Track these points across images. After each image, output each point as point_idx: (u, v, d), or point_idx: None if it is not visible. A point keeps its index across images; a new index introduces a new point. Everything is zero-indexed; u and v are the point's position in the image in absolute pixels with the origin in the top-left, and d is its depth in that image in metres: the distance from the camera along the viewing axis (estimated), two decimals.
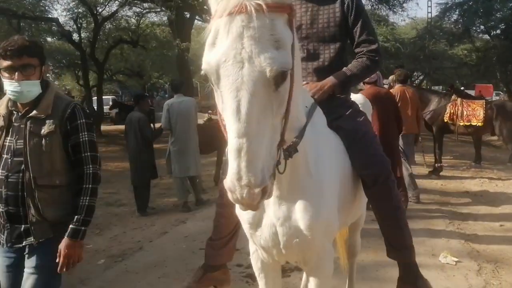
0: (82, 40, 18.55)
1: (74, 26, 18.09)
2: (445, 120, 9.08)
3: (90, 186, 2.43)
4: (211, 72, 1.40)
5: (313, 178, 1.91)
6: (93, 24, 17.33)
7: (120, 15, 17.98)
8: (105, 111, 20.83)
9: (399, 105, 6.56)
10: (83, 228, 2.40)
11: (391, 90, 7.11)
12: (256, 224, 2.02)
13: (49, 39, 20.94)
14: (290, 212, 1.92)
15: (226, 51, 1.35)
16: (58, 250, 2.36)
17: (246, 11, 1.34)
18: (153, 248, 5.35)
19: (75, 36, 18.20)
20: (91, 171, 2.44)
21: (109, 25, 18.77)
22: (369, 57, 2.40)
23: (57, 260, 2.34)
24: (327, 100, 2.28)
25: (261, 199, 1.40)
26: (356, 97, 3.04)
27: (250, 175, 1.36)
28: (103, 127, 19.21)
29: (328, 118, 2.25)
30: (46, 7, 17.00)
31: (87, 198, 2.41)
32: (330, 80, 2.31)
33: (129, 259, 5.00)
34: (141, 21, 20.03)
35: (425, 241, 5.24)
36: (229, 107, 1.37)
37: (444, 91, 11.79)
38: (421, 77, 25.38)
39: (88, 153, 2.44)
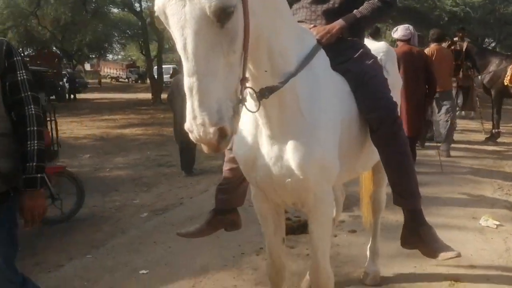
0: (143, 10, 19.02)
1: None
2: (505, 84, 8.53)
3: (35, 128, 2.20)
4: (159, 13, 1.42)
5: (306, 119, 1.91)
6: None
7: None
8: (166, 80, 21.37)
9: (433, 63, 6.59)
10: (39, 175, 2.17)
11: (426, 50, 7.23)
12: (251, 164, 2.05)
13: (114, 10, 21.65)
14: (282, 152, 1.93)
15: None
16: (20, 206, 2.17)
17: None
18: (192, 203, 5.55)
19: (137, 6, 18.68)
20: (33, 112, 2.21)
21: None
22: None
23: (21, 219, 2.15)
24: (336, 43, 2.23)
25: (220, 139, 1.42)
26: (379, 45, 2.93)
27: (203, 114, 1.38)
28: (163, 95, 19.78)
29: (336, 61, 2.21)
30: None
31: (35, 142, 2.17)
32: (338, 23, 2.25)
33: (168, 213, 5.24)
34: None
35: (468, 204, 5.07)
36: (178, 46, 1.39)
37: (509, 53, 11.03)
38: (492, 44, 23.81)
39: (29, 93, 2.21)
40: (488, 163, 6.99)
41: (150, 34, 19.24)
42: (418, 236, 2.29)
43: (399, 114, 2.27)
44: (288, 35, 1.84)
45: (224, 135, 1.42)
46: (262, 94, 1.76)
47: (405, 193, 2.29)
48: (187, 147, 7.21)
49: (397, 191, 2.31)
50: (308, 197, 2.05)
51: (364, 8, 2.29)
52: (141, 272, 3.58)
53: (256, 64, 1.76)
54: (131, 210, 5.51)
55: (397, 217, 4.63)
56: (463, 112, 11.39)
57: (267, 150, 1.97)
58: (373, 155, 2.57)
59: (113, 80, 45.49)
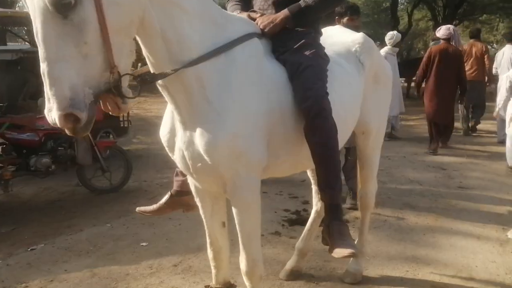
0: None
1: None
2: None
3: None
4: (24, 2, 1.54)
5: (212, 106, 1.95)
6: None
7: None
8: None
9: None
10: None
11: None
12: (171, 147, 2.16)
13: None
14: (192, 137, 2.00)
15: None
16: None
17: None
18: None
19: None
20: None
21: None
22: None
23: None
24: (281, 33, 2.26)
25: (74, 124, 1.53)
26: (355, 37, 2.84)
27: (54, 98, 1.49)
28: None
29: (279, 51, 2.25)
30: None
31: None
32: (283, 13, 2.27)
33: None
34: None
35: (506, 214, 4.68)
36: (34, 33, 1.53)
37: None
38: None
39: None
40: None
41: None
42: (327, 230, 2.23)
43: (327, 105, 2.17)
44: (191, 25, 1.88)
45: (77, 121, 1.53)
46: (143, 80, 1.84)
47: (323, 185, 2.23)
48: None
49: (318, 183, 2.27)
50: (225, 183, 2.09)
51: None
52: (141, 244, 3.87)
53: (152, 52, 1.85)
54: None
55: (405, 218, 4.50)
56: None
57: (180, 135, 2.06)
58: None
59: None
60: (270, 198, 5.12)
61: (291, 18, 2.27)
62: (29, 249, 3.85)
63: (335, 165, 2.22)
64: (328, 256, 3.58)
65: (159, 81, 1.92)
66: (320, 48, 2.38)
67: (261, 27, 2.26)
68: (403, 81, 15.01)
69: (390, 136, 8.43)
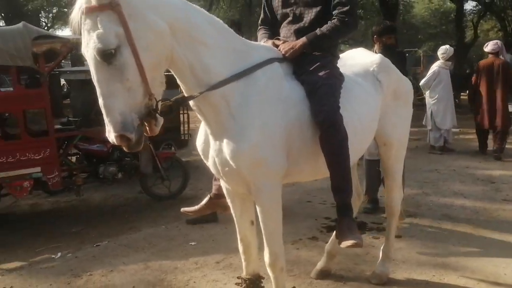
0: None
1: None
2: None
3: None
4: (83, 53, 2.00)
5: (236, 120, 2.33)
6: None
7: None
8: None
9: None
10: None
11: None
12: (205, 155, 2.58)
13: None
14: (221, 146, 2.40)
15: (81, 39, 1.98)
16: None
17: (83, 12, 1.92)
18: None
19: None
20: None
21: None
22: (339, 19, 2.62)
23: None
24: (300, 57, 2.63)
25: (127, 142, 1.96)
26: (373, 58, 3.15)
27: (109, 124, 1.94)
28: None
29: (298, 73, 2.62)
30: None
31: None
32: (301, 40, 2.64)
33: None
34: None
35: None
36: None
37: None
38: None
39: None
40: None
41: None
42: (338, 225, 2.54)
43: (339, 118, 2.49)
44: (214, 56, 2.28)
45: (128, 140, 1.97)
46: (178, 103, 2.29)
47: (335, 187, 2.55)
48: None
49: (331, 185, 2.58)
50: (248, 185, 2.47)
51: (325, 27, 2.64)
52: (190, 243, 4.33)
53: (183, 80, 2.29)
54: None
55: (442, 228, 4.61)
56: None
57: (212, 144, 2.47)
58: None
59: None
60: (313, 207, 5.44)
61: (308, 44, 2.63)
62: (94, 245, 4.44)
63: (345, 170, 2.55)
64: (358, 259, 3.91)
65: (192, 102, 2.34)
66: (335, 69, 2.72)
67: (283, 52, 2.64)
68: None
69: (443, 149, 8.44)
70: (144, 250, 4.23)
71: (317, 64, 2.63)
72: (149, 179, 6.07)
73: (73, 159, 5.98)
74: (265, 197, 2.49)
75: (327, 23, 2.66)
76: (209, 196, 3.21)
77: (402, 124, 3.29)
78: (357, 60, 3.15)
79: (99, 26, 1.91)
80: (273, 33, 2.89)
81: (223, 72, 2.33)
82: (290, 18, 2.76)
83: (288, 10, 2.77)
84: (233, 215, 2.87)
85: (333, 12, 2.66)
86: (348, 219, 2.54)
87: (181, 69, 2.24)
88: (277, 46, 2.71)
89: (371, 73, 3.06)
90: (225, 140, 2.38)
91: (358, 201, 3.70)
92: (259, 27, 3.00)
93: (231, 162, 2.38)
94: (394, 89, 3.17)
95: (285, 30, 2.81)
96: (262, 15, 2.98)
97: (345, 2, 2.63)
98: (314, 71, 2.61)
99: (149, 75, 2.02)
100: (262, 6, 2.97)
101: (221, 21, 2.43)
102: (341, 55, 3.19)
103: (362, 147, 2.95)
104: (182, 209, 3.35)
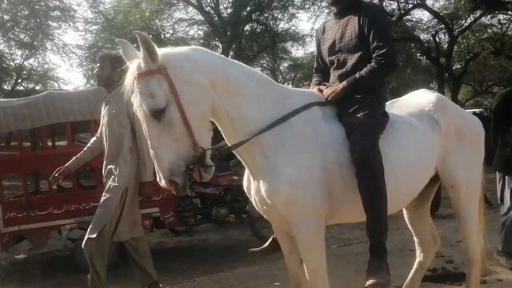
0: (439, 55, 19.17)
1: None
2: None
3: None
4: (136, 111, 2.29)
5: (270, 161, 2.46)
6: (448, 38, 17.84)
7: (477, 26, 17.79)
8: None
9: None
10: None
11: None
12: (249, 194, 2.72)
13: None
14: (259, 185, 2.54)
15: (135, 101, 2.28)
16: None
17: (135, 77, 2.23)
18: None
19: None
20: None
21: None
22: (377, 61, 2.65)
23: None
24: (342, 100, 2.71)
25: (175, 187, 2.16)
26: (429, 98, 3.03)
27: (159, 171, 2.16)
28: None
29: (340, 114, 2.70)
30: None
31: None
32: (342, 84, 2.72)
33: (354, 245, 5.82)
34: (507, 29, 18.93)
35: None
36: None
37: None
38: None
39: None
40: None
41: None
42: (368, 264, 2.44)
43: (373, 156, 2.47)
44: (251, 106, 2.46)
45: (176, 184, 2.19)
46: (220, 151, 2.53)
47: (369, 226, 2.48)
48: None
49: (366, 223, 2.52)
50: (288, 223, 2.55)
51: (363, 71, 2.69)
52: (275, 283, 4.43)
53: (223, 129, 2.50)
54: (329, 241, 6.27)
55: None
56: None
57: (252, 183, 2.63)
58: (401, 196, 2.78)
59: None
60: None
61: (348, 88, 2.70)
62: (191, 280, 4.81)
63: (378, 210, 2.49)
64: None
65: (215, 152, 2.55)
66: (374, 109, 2.71)
67: (325, 96, 2.75)
68: None
69: None
70: (231, 287, 4.46)
71: (356, 106, 2.67)
72: (258, 222, 6.28)
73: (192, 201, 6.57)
74: (304, 234, 2.54)
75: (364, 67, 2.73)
76: (272, 237, 3.33)
77: (470, 165, 3.07)
78: (414, 100, 3.10)
79: (150, 88, 2.21)
80: (325, 80, 3.02)
81: (259, 121, 2.49)
82: (335, 65, 2.88)
83: (333, 57, 2.90)
84: (283, 253, 2.95)
85: (373, 56, 2.72)
86: (377, 259, 2.45)
87: (221, 119, 2.47)
88: (321, 91, 2.84)
89: (427, 113, 2.97)
90: (261, 180, 2.52)
91: (434, 243, 3.48)
92: (313, 75, 3.17)
93: (268, 200, 2.51)
94: (457, 128, 3.01)
95: (332, 76, 2.93)
96: (315, 64, 3.15)
97: (382, 45, 2.67)
98: (353, 113, 2.66)
99: (196, 125, 2.26)
100: (315, 55, 3.16)
101: (258, 71, 2.67)
102: (402, 97, 3.18)
103: (413, 186, 2.84)
104: (249, 250, 3.51)
